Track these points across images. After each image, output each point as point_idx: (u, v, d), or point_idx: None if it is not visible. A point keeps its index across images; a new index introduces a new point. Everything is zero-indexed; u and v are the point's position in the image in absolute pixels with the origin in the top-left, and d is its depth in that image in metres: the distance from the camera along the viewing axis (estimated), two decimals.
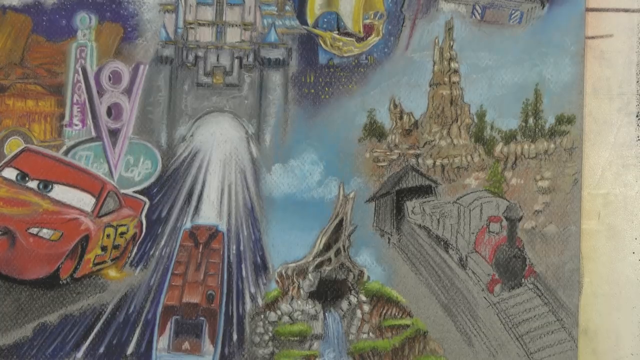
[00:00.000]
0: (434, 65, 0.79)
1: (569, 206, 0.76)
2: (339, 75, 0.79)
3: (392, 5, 0.79)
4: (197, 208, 0.79)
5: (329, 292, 0.79)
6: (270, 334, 0.78)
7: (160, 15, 0.79)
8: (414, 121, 0.79)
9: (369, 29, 0.80)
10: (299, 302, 0.79)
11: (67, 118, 0.79)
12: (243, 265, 0.79)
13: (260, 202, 0.79)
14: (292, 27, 0.80)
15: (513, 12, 0.79)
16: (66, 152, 0.79)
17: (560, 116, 0.79)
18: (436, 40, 0.79)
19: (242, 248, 0.79)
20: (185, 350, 0.78)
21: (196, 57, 0.80)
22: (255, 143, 0.79)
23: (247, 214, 0.79)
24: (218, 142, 0.79)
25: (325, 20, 0.80)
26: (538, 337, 0.78)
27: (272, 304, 0.79)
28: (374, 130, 0.79)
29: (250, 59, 0.80)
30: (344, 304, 0.79)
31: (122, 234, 0.79)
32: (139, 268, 0.79)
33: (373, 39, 0.79)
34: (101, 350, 0.78)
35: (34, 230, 0.77)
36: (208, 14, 0.80)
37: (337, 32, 0.79)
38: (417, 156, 0.79)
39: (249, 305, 0.79)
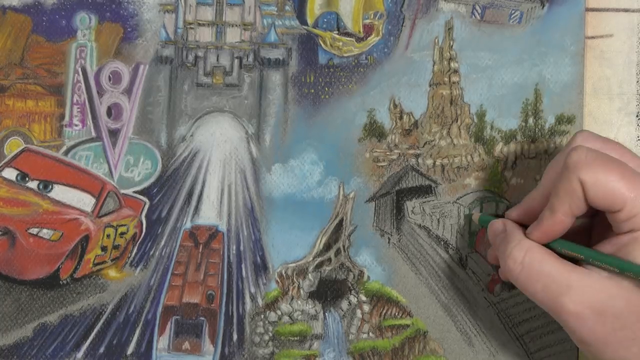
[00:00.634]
0: (433, 65, 0.79)
1: None
2: (338, 75, 0.79)
3: (391, 5, 0.79)
4: (197, 208, 0.79)
5: (329, 292, 0.79)
6: (270, 334, 0.78)
7: (160, 15, 0.79)
8: (414, 121, 0.79)
9: (368, 29, 0.80)
10: (299, 302, 0.79)
11: (67, 118, 0.79)
12: (243, 265, 0.79)
13: (260, 202, 0.79)
14: (292, 27, 0.80)
15: (513, 12, 0.79)
16: (66, 152, 0.79)
17: (560, 116, 0.79)
18: (436, 40, 0.79)
19: (242, 248, 0.79)
20: (186, 350, 0.78)
21: (196, 57, 0.80)
22: (255, 143, 0.79)
23: (247, 214, 0.79)
24: (218, 142, 0.79)
25: (325, 20, 0.80)
26: (538, 337, 0.78)
27: (272, 304, 0.79)
28: (374, 130, 0.79)
29: (250, 59, 0.80)
30: (344, 304, 0.79)
31: (122, 234, 0.79)
32: (139, 268, 0.79)
33: (373, 39, 0.79)
34: (101, 350, 0.78)
35: (34, 231, 0.77)
36: (208, 14, 0.80)
37: (337, 32, 0.79)
38: (417, 156, 0.79)
39: (249, 305, 0.79)
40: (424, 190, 0.80)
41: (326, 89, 0.79)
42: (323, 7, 0.79)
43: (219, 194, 0.79)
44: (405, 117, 0.79)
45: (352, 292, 0.79)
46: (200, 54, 0.80)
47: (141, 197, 0.79)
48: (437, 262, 0.79)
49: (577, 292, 0.56)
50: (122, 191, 0.79)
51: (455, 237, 0.79)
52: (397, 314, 0.79)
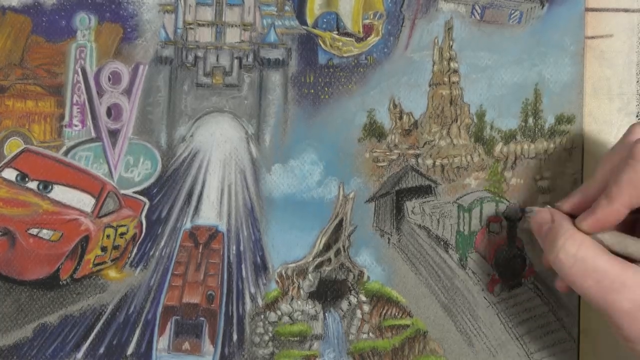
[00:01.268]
0: (433, 65, 0.79)
1: None
2: (338, 75, 0.79)
3: (391, 5, 0.79)
4: (197, 208, 0.79)
5: (329, 292, 0.79)
6: (270, 334, 0.78)
7: (160, 15, 0.79)
8: (414, 121, 0.79)
9: (368, 29, 0.80)
10: (299, 302, 0.79)
11: (66, 118, 0.79)
12: (243, 266, 0.79)
13: (260, 202, 0.79)
14: (291, 27, 0.80)
15: (512, 12, 0.79)
16: (66, 153, 0.79)
17: (560, 116, 0.79)
18: (436, 40, 0.79)
19: (242, 248, 0.79)
20: (186, 351, 0.78)
21: (196, 57, 0.80)
22: (255, 143, 0.79)
23: (247, 214, 0.79)
24: (218, 143, 0.79)
25: (325, 20, 0.80)
26: (538, 337, 0.78)
27: (272, 304, 0.79)
28: (374, 130, 0.79)
29: (250, 59, 0.80)
30: (344, 304, 0.79)
31: (122, 234, 0.79)
32: (139, 268, 0.79)
33: (372, 39, 0.79)
34: (101, 350, 0.78)
35: (34, 231, 0.77)
36: (207, 14, 0.80)
37: (336, 32, 0.79)
38: (416, 156, 0.79)
39: (249, 305, 0.79)
40: (424, 191, 0.80)
41: (326, 89, 0.79)
42: (323, 7, 0.79)
43: (218, 194, 0.79)
44: (405, 117, 0.79)
45: (352, 292, 0.79)
46: (200, 54, 0.80)
47: (141, 197, 0.79)
48: (437, 262, 0.79)
49: (632, 290, 0.56)
50: (122, 191, 0.79)
51: (455, 237, 0.79)
52: (397, 314, 0.79)
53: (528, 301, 0.78)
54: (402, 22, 0.79)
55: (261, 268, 0.79)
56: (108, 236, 0.79)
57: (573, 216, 0.64)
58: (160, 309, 0.78)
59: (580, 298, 0.77)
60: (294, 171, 0.79)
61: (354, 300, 0.79)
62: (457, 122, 0.79)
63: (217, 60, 0.80)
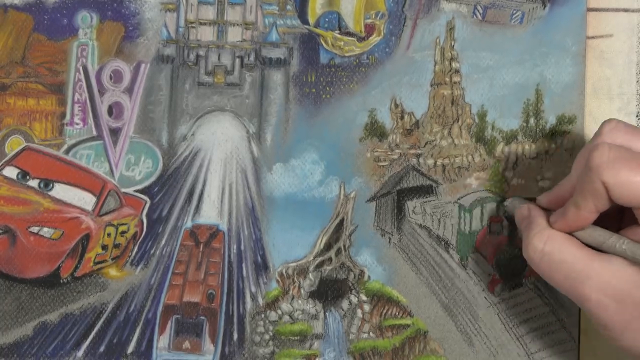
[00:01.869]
0: (435, 65, 0.79)
1: None
2: (340, 74, 0.79)
3: (393, 5, 0.79)
4: (197, 207, 0.79)
5: (329, 291, 0.79)
6: (271, 333, 0.78)
7: (162, 14, 0.79)
8: (415, 121, 0.79)
9: (370, 29, 0.80)
10: (300, 301, 0.79)
11: (68, 117, 0.79)
12: (244, 265, 0.79)
13: (261, 201, 0.79)
14: (293, 26, 0.80)
15: (514, 12, 0.79)
16: (67, 151, 0.79)
17: (561, 116, 0.79)
18: (437, 40, 0.79)
19: (242, 247, 0.79)
20: (186, 349, 0.78)
21: (197, 56, 0.80)
22: (256, 142, 0.79)
23: (248, 213, 0.79)
24: (219, 142, 0.79)
25: (327, 19, 0.80)
26: (539, 337, 0.78)
27: (272, 304, 0.79)
28: (375, 130, 0.79)
29: (252, 58, 0.80)
30: (345, 304, 0.79)
31: (122, 233, 0.79)
32: (139, 267, 0.79)
33: (374, 39, 0.80)
34: (102, 349, 0.78)
35: (35, 229, 0.77)
36: (209, 13, 0.80)
37: (338, 31, 0.80)
38: (418, 156, 0.79)
39: (249, 304, 0.79)
40: (425, 190, 0.80)
41: (327, 88, 0.79)
42: (324, 6, 0.79)
43: (219, 193, 0.79)
44: (406, 117, 0.79)
45: (353, 291, 0.79)
46: (201, 53, 0.80)
47: (142, 196, 0.79)
48: (438, 262, 0.79)
49: (598, 281, 0.57)
50: (123, 190, 0.79)
51: (456, 237, 0.79)
52: (397, 313, 0.79)
53: (529, 301, 0.78)
54: (404, 22, 0.79)
55: (262, 267, 0.79)
56: (109, 235, 0.79)
57: (552, 211, 0.64)
58: (160, 308, 0.78)
59: None
60: (295, 170, 0.79)
61: (354, 299, 0.79)
62: (458, 122, 0.79)
63: (219, 59, 0.80)
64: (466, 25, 0.79)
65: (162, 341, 0.78)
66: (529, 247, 0.62)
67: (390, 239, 0.79)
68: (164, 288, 0.78)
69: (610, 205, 0.57)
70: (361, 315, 0.79)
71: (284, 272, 0.79)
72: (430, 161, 0.79)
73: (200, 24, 0.80)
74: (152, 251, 0.79)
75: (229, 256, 0.79)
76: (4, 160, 0.78)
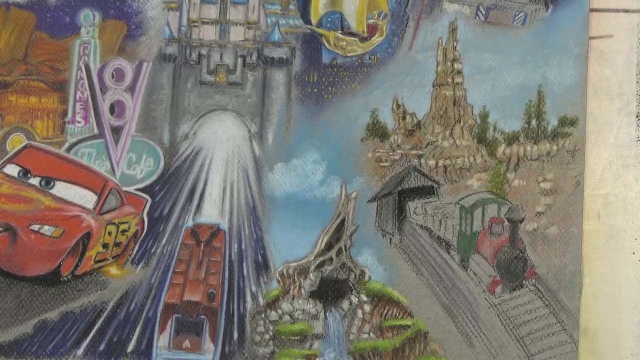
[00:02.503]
0: (437, 66, 0.79)
1: (571, 208, 0.76)
2: (342, 74, 0.79)
3: (396, 5, 0.79)
4: (199, 206, 0.79)
5: (330, 291, 0.79)
6: (271, 333, 0.78)
7: (164, 13, 0.79)
8: (417, 121, 0.79)
9: (372, 29, 0.80)
10: (300, 301, 0.79)
11: (69, 115, 0.79)
12: (244, 264, 0.79)
13: (262, 200, 0.79)
14: (295, 26, 0.80)
15: (517, 13, 0.79)
16: (68, 149, 0.79)
17: (563, 118, 0.79)
18: (440, 41, 0.79)
19: (243, 247, 0.79)
20: (186, 349, 0.78)
21: (199, 55, 0.80)
22: (257, 142, 0.79)
23: (249, 212, 0.79)
24: (221, 141, 0.79)
25: (329, 19, 0.80)
26: (539, 338, 0.78)
27: (273, 303, 0.79)
28: (377, 130, 0.79)
29: (254, 57, 0.80)
30: (345, 304, 0.79)
31: (123, 231, 0.79)
32: (140, 266, 0.79)
33: (377, 39, 0.79)
34: (101, 347, 0.78)
35: (36, 227, 0.77)
36: (212, 12, 0.80)
37: (340, 31, 0.79)
38: (419, 157, 0.79)
39: (249, 304, 0.79)
40: (426, 191, 0.80)
41: (329, 88, 0.79)
42: (327, 6, 0.79)
43: (221, 193, 0.79)
44: (408, 117, 0.79)
45: (353, 292, 0.79)
46: (203, 52, 0.80)
47: (143, 194, 0.79)
48: (439, 263, 0.79)
49: None
50: (124, 188, 0.79)
51: (456, 238, 0.79)
52: (398, 314, 0.79)
53: (529, 303, 0.78)
54: (407, 23, 0.79)
55: (262, 267, 0.79)
56: (109, 233, 0.79)
57: None
58: (161, 307, 0.78)
59: (581, 300, 0.77)
60: (297, 170, 0.79)
61: (355, 300, 0.79)
62: (460, 123, 0.79)
63: (221, 58, 0.80)
64: (469, 26, 0.79)
65: (162, 340, 0.78)
66: None
67: (391, 239, 0.79)
68: (165, 287, 0.78)
69: None
70: (362, 316, 0.79)
71: (284, 271, 0.79)
72: (432, 162, 0.79)
73: (203, 23, 0.80)
74: (152, 250, 0.79)
75: (230, 255, 0.79)
76: (5, 158, 0.78)
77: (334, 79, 0.79)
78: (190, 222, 0.79)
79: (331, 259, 0.79)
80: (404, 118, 0.79)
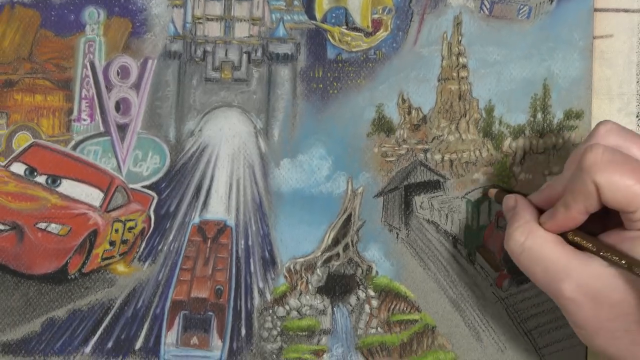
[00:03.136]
0: (442, 60, 0.79)
1: None
2: (347, 70, 0.79)
3: (400, 0, 0.79)
4: (205, 203, 0.79)
5: (337, 287, 0.79)
6: (279, 329, 0.78)
7: (169, 10, 0.79)
8: (423, 116, 0.79)
9: (377, 24, 0.80)
10: (308, 297, 0.79)
11: (75, 113, 0.79)
12: (251, 260, 0.79)
13: (268, 197, 0.79)
14: (300, 22, 0.80)
15: (521, 7, 0.79)
16: (74, 147, 0.79)
17: (569, 111, 0.79)
18: (444, 35, 0.79)
19: (250, 243, 0.79)
20: (194, 345, 0.78)
21: (204, 52, 0.80)
22: (263, 138, 0.79)
23: (256, 208, 0.79)
24: (226, 137, 0.79)
25: (334, 15, 0.80)
26: (547, 332, 0.78)
27: (280, 299, 0.79)
28: (383, 125, 0.79)
29: (259, 53, 0.80)
30: (352, 299, 0.79)
31: (130, 228, 0.79)
32: (147, 263, 0.79)
33: (381, 34, 0.80)
34: (109, 345, 0.78)
35: (43, 225, 0.77)
36: (216, 8, 0.80)
37: (345, 27, 0.80)
38: (425, 151, 0.79)
39: (257, 300, 0.79)
40: (433, 185, 0.80)
41: (335, 83, 0.79)
42: (331, 2, 0.79)
43: (227, 189, 0.79)
44: (413, 112, 0.79)
45: (361, 287, 0.79)
46: (208, 48, 0.80)
47: (149, 191, 0.79)
48: (446, 257, 0.79)
49: (575, 279, 0.57)
50: (131, 186, 0.79)
51: (463, 232, 0.79)
52: (405, 309, 0.79)
53: (536, 296, 0.78)
54: (411, 17, 0.79)
55: (269, 263, 0.79)
56: (116, 230, 0.79)
57: (542, 210, 0.64)
58: (168, 304, 0.78)
59: None
60: (303, 166, 0.79)
61: (362, 295, 0.79)
62: (465, 117, 0.79)
63: (226, 54, 0.80)
64: (473, 20, 0.79)
65: (170, 337, 0.78)
66: (510, 240, 0.62)
67: (397, 234, 0.79)
68: (172, 284, 0.78)
69: (599, 207, 0.57)
70: (369, 311, 0.79)
71: (291, 267, 0.79)
72: (438, 156, 0.79)
73: (208, 19, 0.80)
74: (159, 247, 0.79)
75: (237, 252, 0.79)
76: (11, 157, 0.78)
77: (339, 74, 0.79)
78: (197, 219, 0.79)
79: (338, 255, 0.79)
80: (409, 113, 0.79)
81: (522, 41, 0.79)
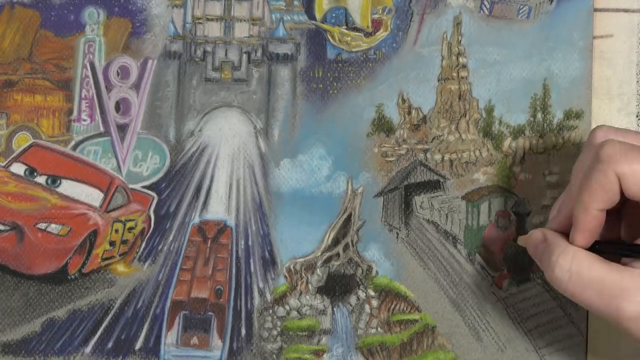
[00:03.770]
0: (442, 60, 0.79)
1: None
2: (347, 70, 0.79)
3: (400, 0, 0.80)
4: (205, 203, 0.79)
5: (337, 287, 0.79)
6: (279, 329, 0.78)
7: (169, 10, 0.79)
8: (422, 116, 0.79)
9: (377, 24, 0.80)
10: (308, 297, 0.79)
11: (75, 113, 0.79)
12: (251, 260, 0.79)
13: (268, 197, 0.79)
14: (300, 22, 0.80)
15: (521, 7, 0.79)
16: (74, 147, 0.79)
17: (569, 111, 0.79)
18: (444, 35, 0.79)
19: (250, 243, 0.79)
20: (194, 345, 0.78)
21: (204, 52, 0.80)
22: (263, 138, 0.79)
23: (256, 209, 0.79)
24: (226, 137, 0.79)
25: (334, 15, 0.80)
26: (547, 331, 0.78)
27: (280, 299, 0.79)
28: (383, 125, 0.79)
29: (259, 54, 0.80)
30: (353, 299, 0.79)
31: (130, 229, 0.79)
32: (147, 263, 0.79)
33: (381, 34, 0.80)
34: (110, 345, 0.78)
35: (43, 225, 0.77)
36: (216, 9, 0.80)
37: (345, 27, 0.80)
38: (425, 151, 0.79)
39: (257, 300, 0.79)
40: (433, 185, 0.80)
41: (335, 84, 0.79)
42: (331, 2, 0.80)
43: (227, 189, 0.79)
44: (413, 112, 0.79)
45: (361, 287, 0.79)
46: (208, 49, 0.80)
47: (149, 192, 0.79)
48: (446, 257, 0.79)
49: (633, 294, 0.54)
50: (131, 186, 0.79)
51: (463, 232, 0.79)
52: (405, 309, 0.79)
53: (537, 296, 0.78)
54: (411, 17, 0.79)
55: (270, 263, 0.79)
56: (116, 231, 0.79)
57: (565, 233, 0.62)
58: (168, 304, 0.78)
59: None
60: (303, 166, 0.79)
61: (362, 295, 0.79)
62: (465, 117, 0.79)
63: (226, 55, 0.80)
64: (473, 20, 0.79)
65: (170, 337, 0.78)
66: (555, 269, 0.58)
67: (398, 234, 0.79)
68: (172, 284, 0.78)
69: (619, 200, 0.56)
70: (369, 311, 0.79)
71: (291, 267, 0.79)
72: (438, 156, 0.79)
73: (207, 19, 0.80)
74: (159, 247, 0.79)
75: (237, 252, 0.79)
76: (11, 157, 0.78)
77: (339, 74, 0.79)
78: (197, 219, 0.79)
79: (338, 255, 0.79)
80: (409, 113, 0.79)
81: (522, 41, 0.79)
